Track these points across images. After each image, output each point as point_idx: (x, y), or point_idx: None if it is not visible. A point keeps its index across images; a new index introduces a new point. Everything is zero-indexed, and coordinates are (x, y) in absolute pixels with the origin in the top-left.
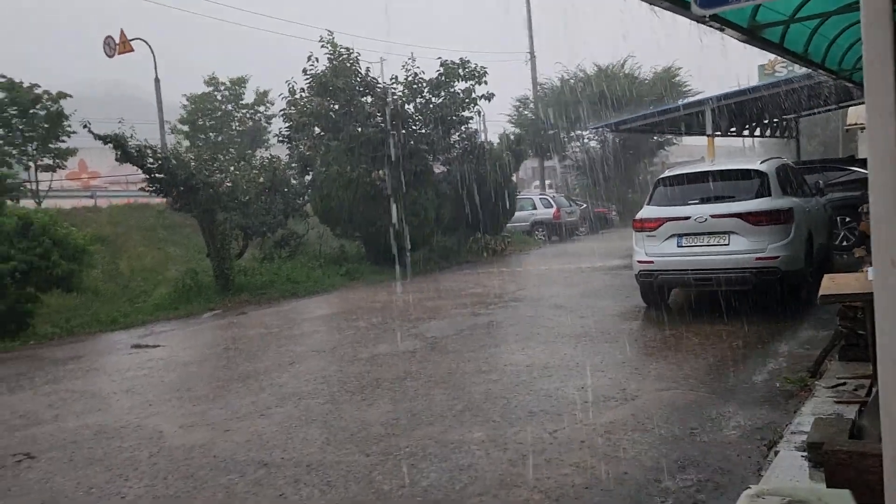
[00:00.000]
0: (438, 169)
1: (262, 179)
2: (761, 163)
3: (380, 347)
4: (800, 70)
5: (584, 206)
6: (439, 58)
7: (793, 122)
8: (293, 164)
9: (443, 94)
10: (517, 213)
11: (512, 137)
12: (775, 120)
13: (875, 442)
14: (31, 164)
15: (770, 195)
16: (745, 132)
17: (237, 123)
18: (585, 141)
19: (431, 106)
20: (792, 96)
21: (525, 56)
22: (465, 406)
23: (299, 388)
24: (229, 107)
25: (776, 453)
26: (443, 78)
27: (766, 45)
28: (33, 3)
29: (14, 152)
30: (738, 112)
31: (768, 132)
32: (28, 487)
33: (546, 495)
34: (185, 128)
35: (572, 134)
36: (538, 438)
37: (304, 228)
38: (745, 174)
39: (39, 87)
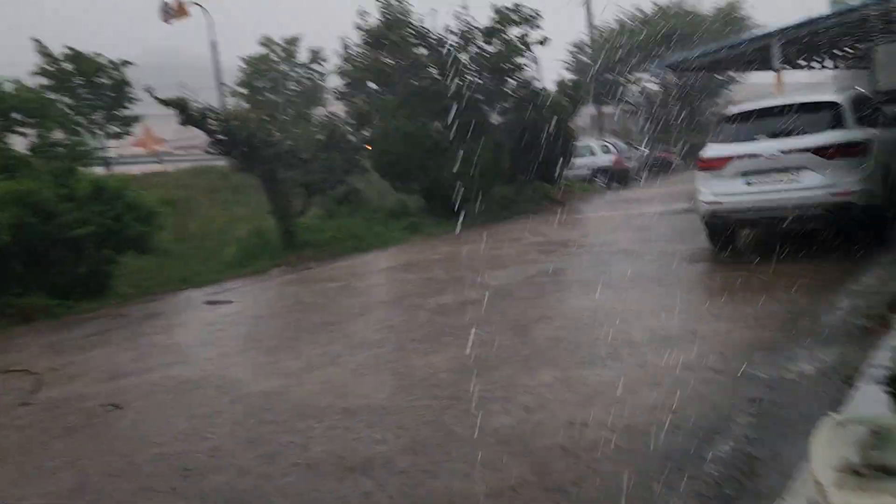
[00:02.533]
0: (495, 119)
1: (321, 136)
2: (834, 93)
3: (445, 297)
4: None
5: (645, 151)
6: (492, 4)
7: (869, 52)
8: (351, 121)
9: (496, 41)
10: (576, 161)
11: (569, 83)
12: (848, 50)
13: None
14: (98, 132)
15: (844, 127)
16: (816, 65)
17: (293, 83)
18: (645, 84)
19: (486, 55)
20: (867, 24)
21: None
22: (532, 351)
23: (368, 338)
24: (285, 67)
25: (854, 388)
26: (496, 24)
27: None
28: None
29: (82, 121)
30: (807, 44)
31: (841, 64)
32: (118, 435)
33: (617, 434)
34: (243, 90)
35: (631, 77)
36: (607, 380)
37: (364, 184)
38: (817, 106)
39: (102, 55)
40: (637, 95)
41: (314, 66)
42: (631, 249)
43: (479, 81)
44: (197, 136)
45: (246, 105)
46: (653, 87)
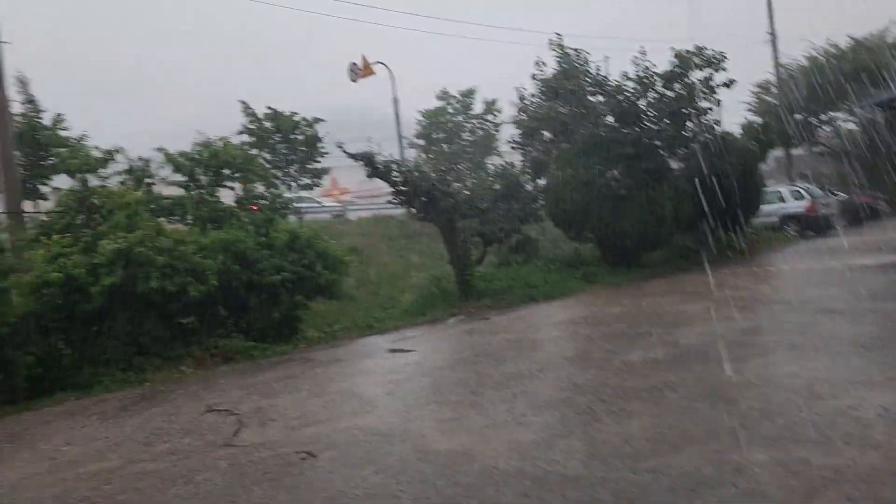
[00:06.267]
0: (675, 165)
1: (497, 186)
2: None
3: (631, 355)
4: None
5: (844, 196)
6: (672, 48)
7: None
8: (526, 170)
9: (677, 86)
10: (764, 208)
11: (757, 126)
12: None
13: None
14: (292, 183)
15: None
16: None
17: (468, 133)
18: (840, 124)
19: (665, 100)
20: None
21: (763, 37)
22: (739, 423)
23: (553, 397)
24: (460, 118)
25: None
26: (677, 69)
27: None
28: (281, 39)
29: (279, 174)
30: None
31: None
32: (312, 485)
33: None
34: (421, 142)
35: (823, 117)
36: (837, 465)
37: (538, 232)
38: None
39: (297, 114)
40: (832, 136)
41: (488, 116)
42: (837, 308)
43: (658, 127)
44: (377, 187)
45: (424, 156)
46: (850, 126)
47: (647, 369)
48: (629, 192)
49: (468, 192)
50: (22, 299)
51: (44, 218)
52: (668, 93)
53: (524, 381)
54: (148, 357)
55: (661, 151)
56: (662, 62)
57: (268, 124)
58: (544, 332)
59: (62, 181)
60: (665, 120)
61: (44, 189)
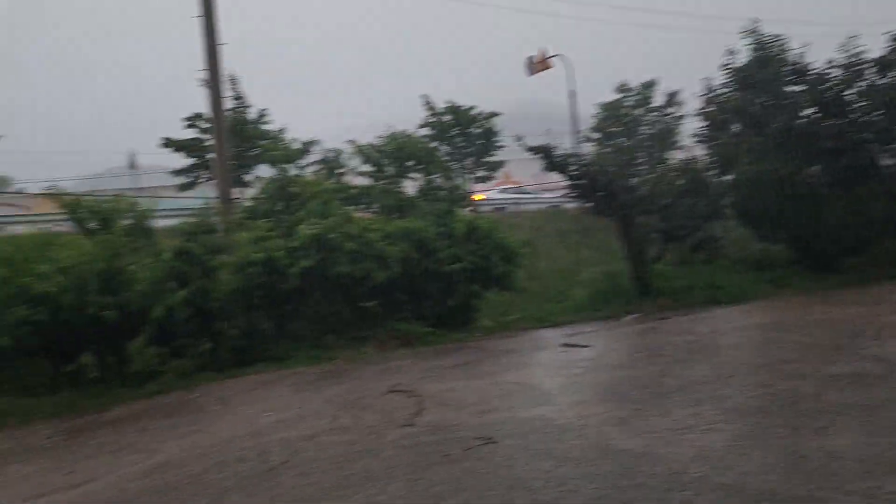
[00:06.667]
0: (888, 160)
1: (680, 182)
2: None
3: (833, 367)
4: None
5: None
6: (890, 31)
7: None
8: (712, 164)
9: (894, 73)
10: None
11: None
12: None
13: None
14: (468, 175)
15: None
16: None
17: (647, 126)
18: None
19: (878, 88)
20: None
21: None
22: None
23: (745, 405)
24: (639, 111)
25: None
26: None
27: None
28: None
29: (457, 166)
30: None
31: None
32: (493, 471)
33: None
34: (597, 135)
35: None
36: None
37: (721, 231)
38: None
39: (476, 108)
40: None
41: (670, 109)
42: None
43: (868, 119)
44: (550, 181)
45: (601, 150)
46: None
47: (853, 384)
48: (831, 190)
49: (648, 187)
50: (229, 276)
51: (249, 203)
52: (882, 81)
53: (710, 386)
54: (334, 336)
55: (871, 146)
56: (878, 47)
57: (447, 118)
58: (731, 337)
59: (265, 170)
60: (877, 111)
61: (248, 178)
